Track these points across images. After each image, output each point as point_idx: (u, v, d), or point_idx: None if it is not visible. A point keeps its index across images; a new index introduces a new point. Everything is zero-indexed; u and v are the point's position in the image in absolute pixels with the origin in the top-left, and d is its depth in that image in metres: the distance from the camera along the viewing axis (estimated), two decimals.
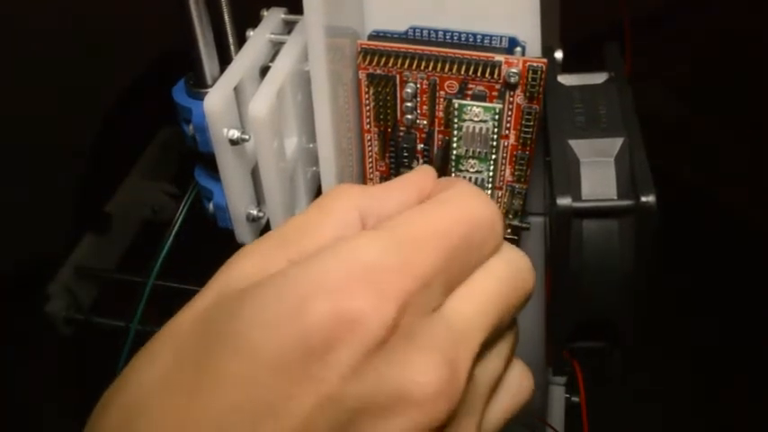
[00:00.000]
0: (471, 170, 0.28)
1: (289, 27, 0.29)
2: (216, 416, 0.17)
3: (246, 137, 0.26)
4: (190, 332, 0.19)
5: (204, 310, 0.20)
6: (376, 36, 0.29)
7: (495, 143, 0.28)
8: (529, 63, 0.27)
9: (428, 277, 0.19)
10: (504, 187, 0.30)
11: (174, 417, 0.18)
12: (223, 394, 0.18)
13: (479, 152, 0.28)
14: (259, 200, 0.29)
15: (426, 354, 0.18)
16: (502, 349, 0.21)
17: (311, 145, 0.30)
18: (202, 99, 0.26)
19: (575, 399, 0.39)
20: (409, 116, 0.29)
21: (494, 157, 0.28)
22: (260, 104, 0.25)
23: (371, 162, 0.31)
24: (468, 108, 0.27)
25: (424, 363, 0.18)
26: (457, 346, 0.19)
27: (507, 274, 0.21)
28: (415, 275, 0.18)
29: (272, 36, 0.29)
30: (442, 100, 0.28)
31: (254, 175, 0.29)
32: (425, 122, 0.29)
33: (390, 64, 0.28)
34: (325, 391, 0.17)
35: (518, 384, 0.22)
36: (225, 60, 0.28)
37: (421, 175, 0.23)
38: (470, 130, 0.27)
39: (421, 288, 0.19)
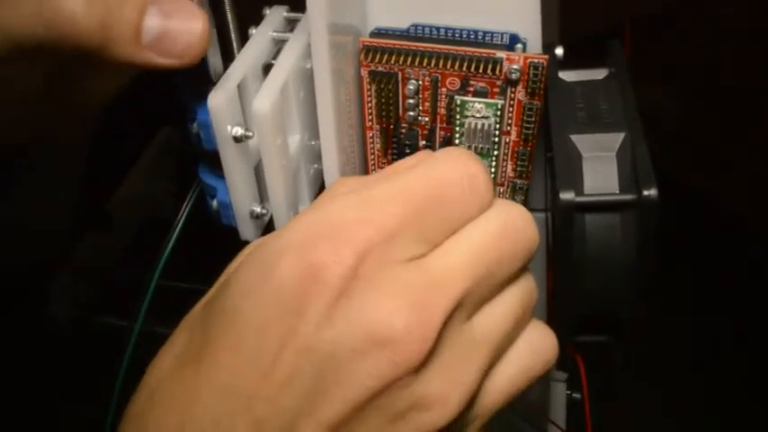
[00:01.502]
0: None
1: (291, 25, 0.30)
2: (217, 382, 0.19)
3: (250, 134, 0.26)
4: (198, 314, 0.22)
5: (210, 295, 0.22)
6: (378, 33, 0.29)
7: (496, 139, 0.28)
8: (530, 59, 0.27)
9: (391, 228, 0.20)
10: (506, 183, 0.30)
11: (184, 386, 0.20)
12: (221, 362, 0.19)
13: (481, 148, 0.28)
14: (262, 197, 0.30)
15: (394, 297, 0.19)
16: (506, 302, 0.22)
17: (314, 142, 0.30)
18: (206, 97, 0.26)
19: (576, 395, 0.40)
20: (411, 113, 0.29)
21: (495, 153, 0.28)
22: (263, 101, 0.26)
23: (374, 159, 0.31)
24: (470, 104, 0.27)
25: (390, 305, 0.19)
26: (430, 291, 0.19)
27: (496, 225, 0.21)
28: (376, 226, 0.20)
29: (275, 34, 0.29)
30: (443, 96, 0.29)
31: (258, 172, 0.29)
32: (427, 119, 0.29)
33: (392, 61, 0.28)
34: (303, 343, 0.19)
35: (535, 342, 0.23)
36: (228, 58, 0.28)
37: (417, 157, 0.24)
38: (472, 126, 0.28)
39: (385, 238, 0.20)
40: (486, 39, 0.28)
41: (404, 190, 0.21)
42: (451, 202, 0.21)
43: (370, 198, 0.21)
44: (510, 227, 0.22)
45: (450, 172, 0.21)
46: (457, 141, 0.28)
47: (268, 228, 0.30)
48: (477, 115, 0.27)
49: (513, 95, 0.28)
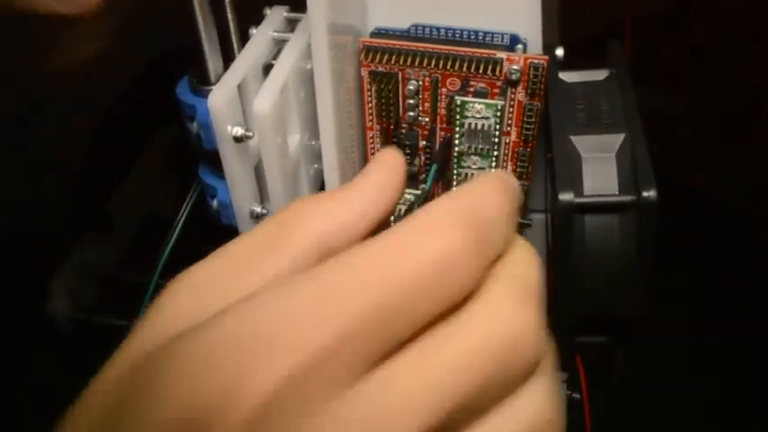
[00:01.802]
0: (473, 167, 0.29)
1: (291, 25, 0.30)
2: None
3: (250, 134, 0.26)
4: (102, 408, 0.17)
5: (116, 381, 0.17)
6: (378, 33, 0.29)
7: (496, 140, 0.28)
8: (530, 60, 0.27)
9: (336, 342, 0.14)
10: None
11: None
12: None
13: (481, 149, 0.28)
14: (262, 197, 0.30)
15: None
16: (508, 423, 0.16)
17: (314, 142, 0.30)
18: (206, 97, 0.26)
19: (575, 395, 0.40)
20: (411, 113, 0.29)
21: (495, 153, 0.28)
22: (264, 101, 0.26)
23: None
24: (470, 105, 0.27)
25: None
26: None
27: (479, 330, 0.15)
28: (316, 341, 0.14)
29: (275, 34, 0.29)
30: (443, 97, 0.29)
31: (258, 171, 0.29)
32: (427, 119, 0.29)
33: (393, 61, 0.28)
34: None
35: None
36: (228, 58, 0.28)
37: (381, 171, 0.20)
38: (472, 126, 0.28)
39: (323, 357, 0.14)
40: (487, 39, 0.28)
41: (364, 283, 0.15)
42: (425, 295, 0.15)
43: (318, 294, 0.15)
44: (506, 340, 0.16)
45: (438, 257, 0.15)
46: (457, 142, 0.28)
47: None
48: (478, 116, 0.27)
49: (513, 96, 0.28)
